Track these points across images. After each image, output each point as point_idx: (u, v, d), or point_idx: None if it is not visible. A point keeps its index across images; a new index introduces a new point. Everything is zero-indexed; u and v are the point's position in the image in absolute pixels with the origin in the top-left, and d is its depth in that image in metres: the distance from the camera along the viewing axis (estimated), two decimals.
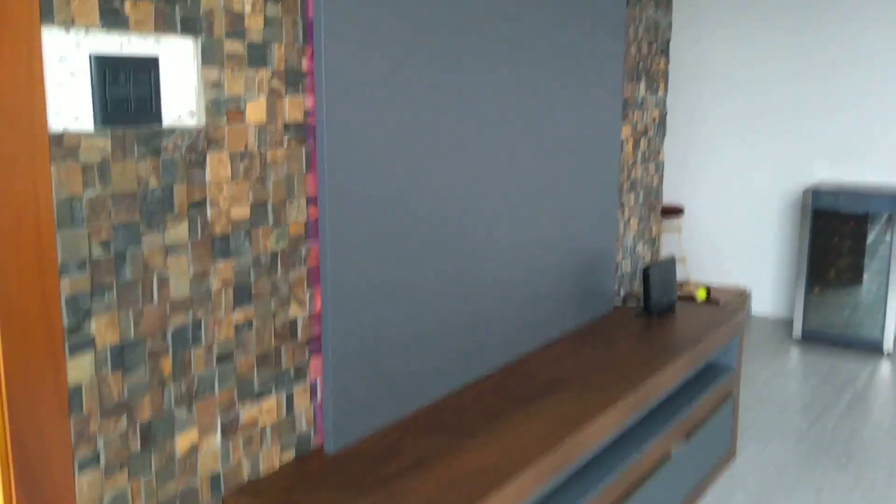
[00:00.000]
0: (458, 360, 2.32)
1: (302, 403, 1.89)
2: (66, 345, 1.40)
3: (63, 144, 1.36)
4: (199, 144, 1.58)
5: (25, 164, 1.29)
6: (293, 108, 1.78)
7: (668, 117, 5.45)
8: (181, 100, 1.54)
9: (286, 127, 1.77)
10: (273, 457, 1.83)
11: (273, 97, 1.73)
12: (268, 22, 1.69)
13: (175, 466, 1.61)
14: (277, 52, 1.72)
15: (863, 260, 4.47)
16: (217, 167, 1.62)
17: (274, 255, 1.78)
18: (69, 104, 1.36)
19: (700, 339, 2.80)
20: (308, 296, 1.87)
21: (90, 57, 1.38)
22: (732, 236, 5.33)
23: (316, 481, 1.77)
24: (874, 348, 4.51)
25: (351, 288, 1.91)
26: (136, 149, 1.47)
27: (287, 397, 1.85)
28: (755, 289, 5.29)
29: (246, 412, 1.75)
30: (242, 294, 1.71)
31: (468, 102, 2.24)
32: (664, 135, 4.17)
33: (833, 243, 4.54)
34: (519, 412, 2.15)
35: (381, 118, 1.94)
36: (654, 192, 3.72)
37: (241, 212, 1.69)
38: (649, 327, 2.94)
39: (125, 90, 1.43)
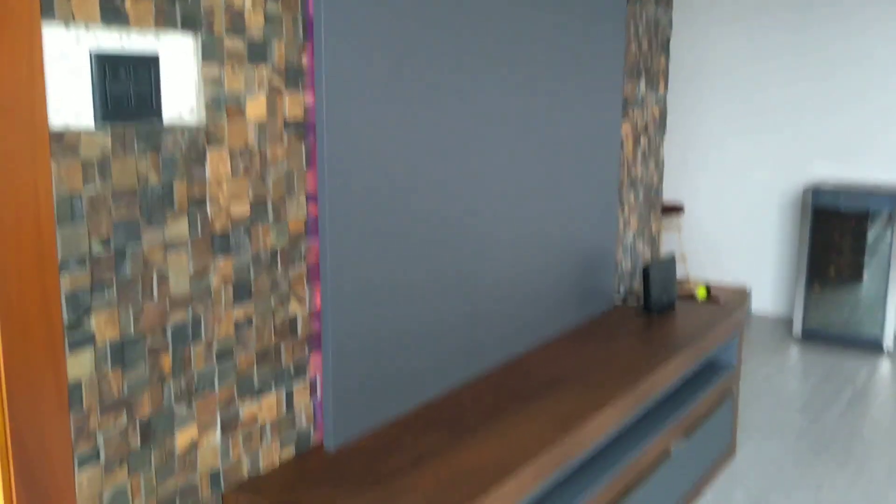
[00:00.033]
0: (458, 358, 2.32)
1: (302, 400, 1.89)
2: (66, 341, 1.40)
3: (63, 141, 1.36)
4: (199, 141, 1.58)
5: (25, 160, 1.29)
6: (293, 105, 1.78)
7: (669, 115, 5.44)
8: (181, 97, 1.54)
9: (286, 124, 1.77)
10: (273, 453, 1.83)
11: (273, 94, 1.73)
12: (268, 19, 1.69)
13: (175, 463, 1.61)
14: (277, 49, 1.72)
15: (863, 258, 4.47)
16: (217, 164, 1.62)
17: (274, 253, 1.78)
18: (69, 101, 1.36)
19: (700, 337, 2.80)
20: (308, 293, 1.87)
21: (90, 53, 1.38)
22: (732, 234, 5.33)
23: (316, 478, 1.77)
24: (874, 346, 4.51)
25: (351, 285, 1.91)
26: (136, 145, 1.47)
27: (287, 394, 1.85)
28: (755, 287, 5.29)
29: (246, 409, 1.75)
30: (242, 291, 1.71)
31: (468, 100, 2.24)
32: (664, 133, 4.17)
33: (833, 241, 4.54)
34: (519, 409, 2.15)
35: (381, 115, 1.94)
36: (654, 190, 3.72)
37: (241, 209, 1.69)
38: (649, 325, 2.94)
39: (125, 87, 1.43)
